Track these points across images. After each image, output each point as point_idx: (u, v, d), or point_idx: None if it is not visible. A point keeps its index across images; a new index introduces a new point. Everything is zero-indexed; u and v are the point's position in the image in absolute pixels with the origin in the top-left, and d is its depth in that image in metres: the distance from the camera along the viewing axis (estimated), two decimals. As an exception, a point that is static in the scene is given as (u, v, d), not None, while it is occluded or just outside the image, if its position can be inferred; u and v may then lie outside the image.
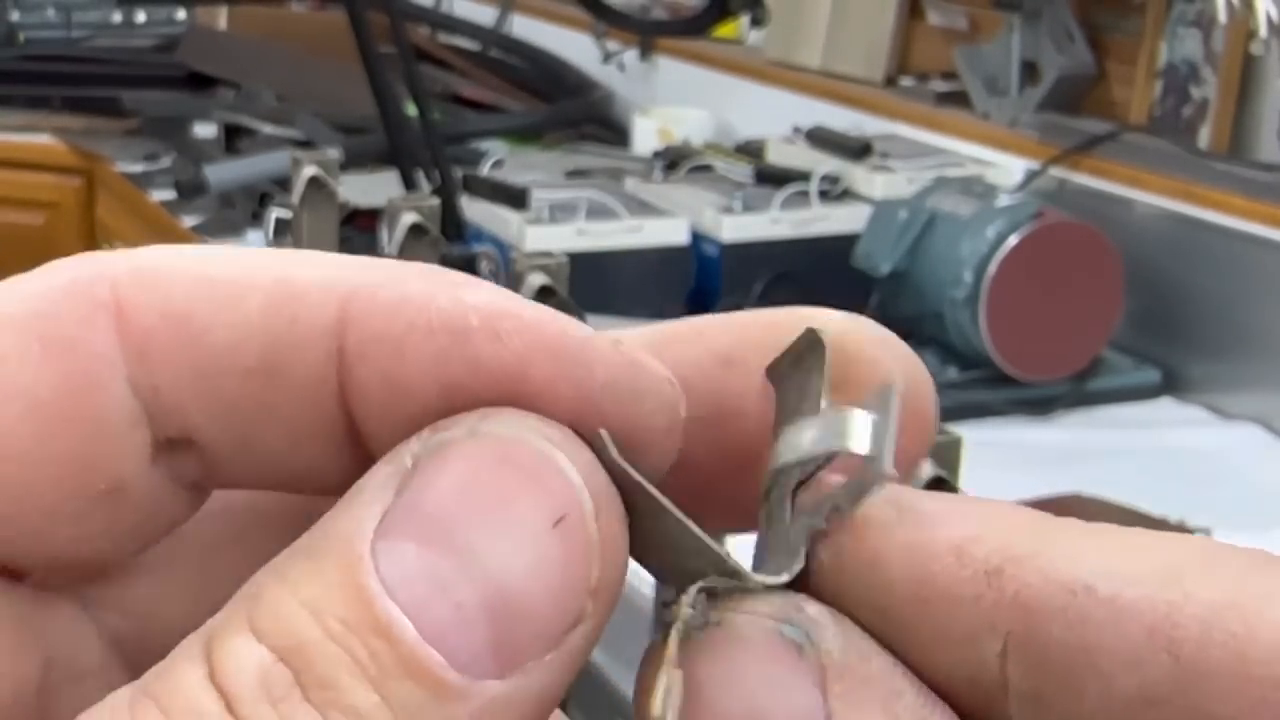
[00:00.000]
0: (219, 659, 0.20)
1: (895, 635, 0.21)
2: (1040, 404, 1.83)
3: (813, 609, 0.21)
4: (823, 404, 0.21)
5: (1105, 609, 0.19)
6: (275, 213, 2.34)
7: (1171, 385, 1.92)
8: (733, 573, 0.21)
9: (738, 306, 1.96)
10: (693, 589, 0.21)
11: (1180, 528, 1.45)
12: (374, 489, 0.21)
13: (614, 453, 0.21)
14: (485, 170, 2.25)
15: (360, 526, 0.20)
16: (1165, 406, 1.90)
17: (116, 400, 0.22)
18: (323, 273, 0.22)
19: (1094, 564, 0.20)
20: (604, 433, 0.21)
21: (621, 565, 0.21)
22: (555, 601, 0.20)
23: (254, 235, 2.48)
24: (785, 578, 0.21)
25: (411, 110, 2.12)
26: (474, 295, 0.22)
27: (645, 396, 0.22)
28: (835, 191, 2.11)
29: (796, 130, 2.34)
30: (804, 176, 2.10)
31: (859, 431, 0.21)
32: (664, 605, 0.21)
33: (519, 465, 0.20)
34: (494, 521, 0.20)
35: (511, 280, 1.32)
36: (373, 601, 0.20)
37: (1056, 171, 2.08)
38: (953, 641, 0.20)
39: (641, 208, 2.07)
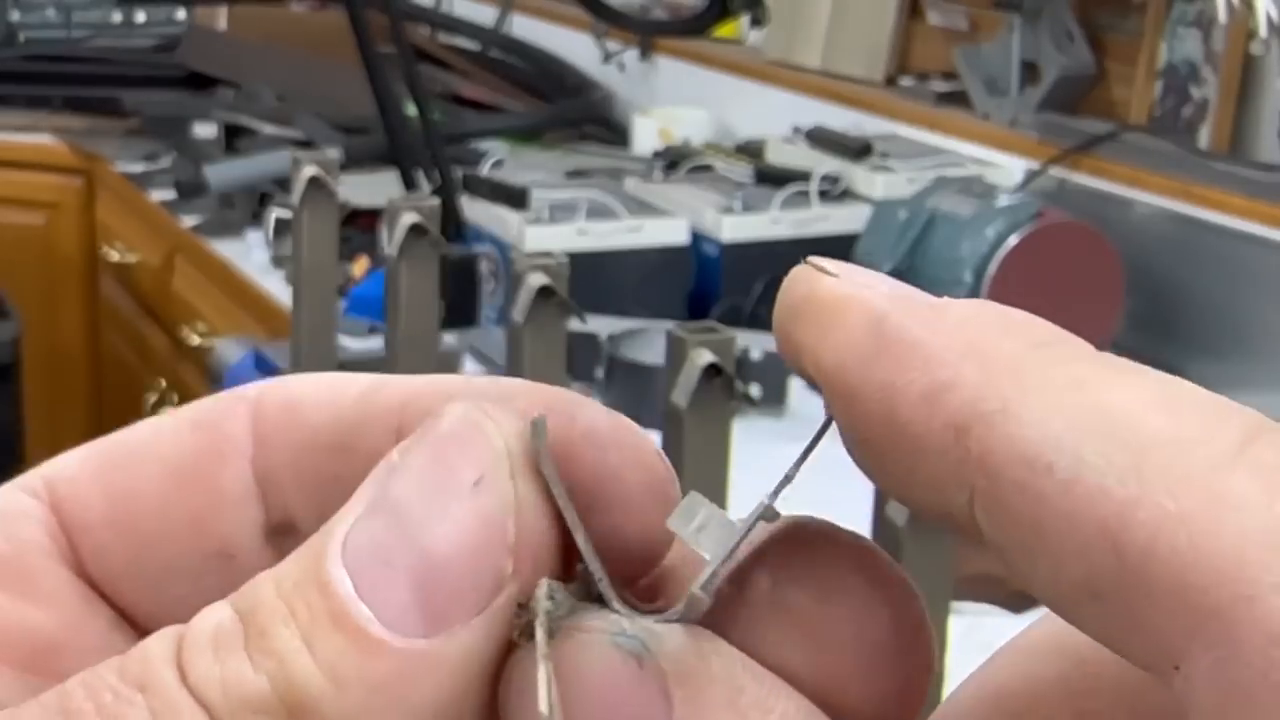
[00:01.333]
0: (191, 623, 0.22)
1: (873, 464, 0.21)
2: (1040, 404, 1.83)
3: (651, 619, 0.21)
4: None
5: (1061, 495, 0.19)
6: (275, 213, 2.34)
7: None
8: (596, 596, 0.22)
9: (738, 306, 1.96)
10: (542, 584, 0.21)
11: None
12: (366, 485, 0.22)
13: (541, 447, 0.22)
14: (485, 170, 2.25)
15: (346, 513, 0.21)
16: (1165, 406, 1.90)
17: (236, 476, 0.25)
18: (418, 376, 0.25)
19: (1060, 436, 0.19)
20: (536, 422, 0.22)
21: (541, 527, 0.21)
22: (474, 559, 0.21)
23: (254, 235, 2.48)
24: (635, 617, 0.21)
25: (411, 110, 2.12)
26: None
27: (624, 449, 0.23)
28: (835, 191, 2.11)
29: (796, 130, 2.34)
30: (804, 176, 2.10)
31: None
32: (520, 606, 0.21)
33: (448, 433, 0.22)
34: (425, 486, 0.21)
35: (511, 280, 1.32)
36: (322, 562, 0.21)
37: (1056, 171, 2.08)
38: (923, 484, 0.20)
39: (641, 208, 2.08)
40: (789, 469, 0.22)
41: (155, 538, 0.25)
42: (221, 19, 3.38)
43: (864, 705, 0.22)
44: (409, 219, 1.47)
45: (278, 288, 2.29)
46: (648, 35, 2.82)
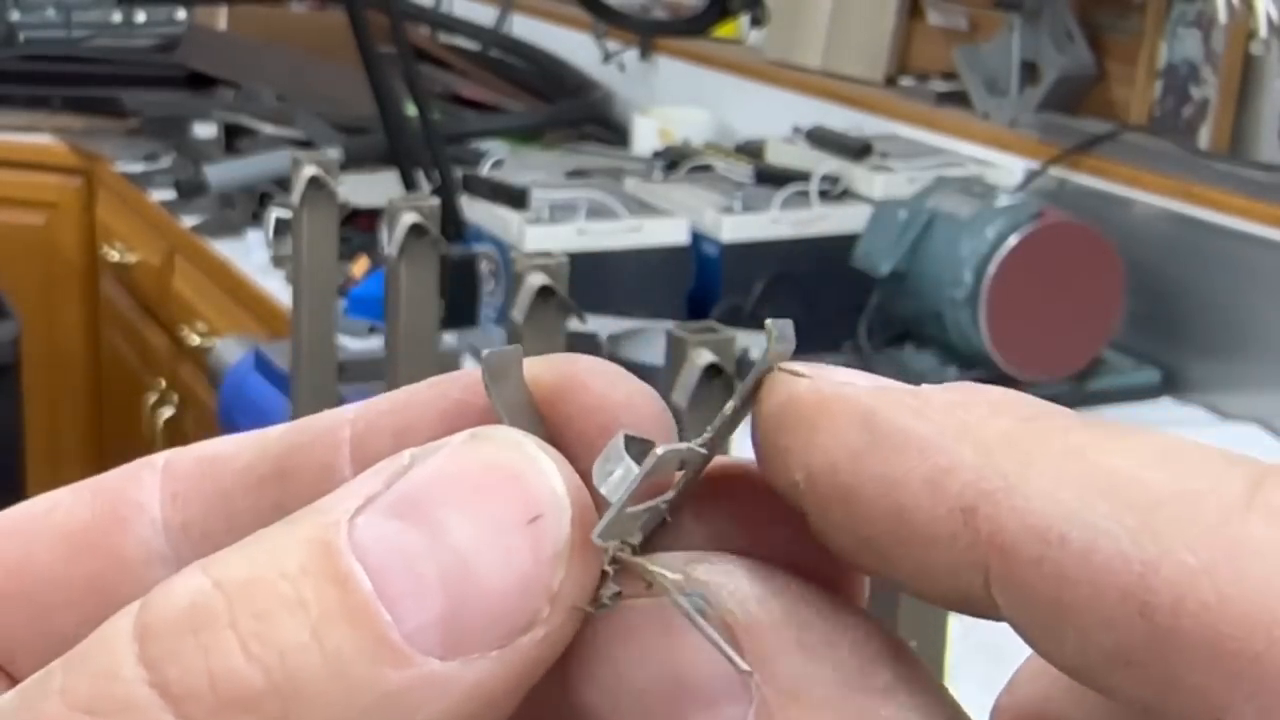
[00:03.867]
0: (152, 597, 0.20)
1: (881, 562, 0.21)
2: (1040, 404, 1.83)
3: (702, 570, 0.21)
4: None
5: (1080, 566, 0.18)
6: (275, 213, 2.34)
7: (1171, 385, 1.92)
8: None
9: (738, 306, 1.96)
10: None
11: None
12: (365, 478, 0.21)
13: (489, 381, 0.22)
14: (485, 170, 2.25)
15: (344, 502, 0.20)
16: (1165, 406, 1.90)
17: (138, 541, 0.24)
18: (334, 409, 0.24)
19: (1069, 505, 0.19)
20: (487, 357, 0.22)
21: (586, 585, 0.21)
22: (513, 594, 0.20)
23: (254, 235, 2.48)
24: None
25: (411, 110, 2.12)
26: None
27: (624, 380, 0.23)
28: (835, 191, 2.11)
29: (796, 130, 2.34)
30: (804, 176, 2.10)
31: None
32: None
33: (505, 463, 0.21)
34: (469, 507, 0.20)
35: (511, 280, 1.32)
36: (335, 554, 0.20)
37: (1056, 171, 2.08)
38: (935, 573, 0.20)
39: (641, 208, 2.08)
40: (711, 427, 0.22)
41: (54, 607, 0.24)
42: (221, 19, 3.38)
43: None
44: (409, 219, 1.47)
45: (278, 288, 2.29)
46: (648, 35, 2.82)
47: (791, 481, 0.21)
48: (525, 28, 3.19)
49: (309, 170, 1.60)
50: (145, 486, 0.24)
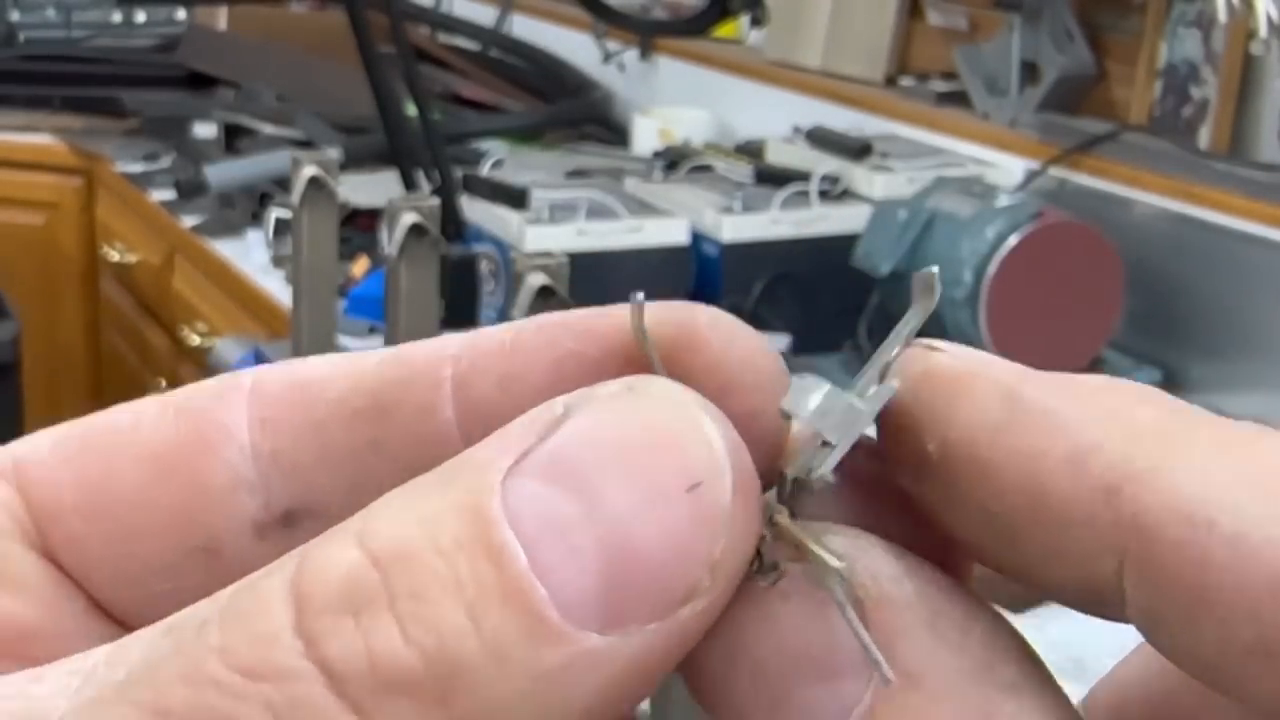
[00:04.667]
0: (307, 563, 0.19)
1: (1006, 542, 0.20)
2: (1040, 404, 1.83)
3: (837, 542, 0.20)
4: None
5: (1227, 551, 0.18)
6: (275, 213, 2.34)
7: (1171, 385, 1.92)
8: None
9: (738, 306, 1.96)
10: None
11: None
12: (519, 428, 0.20)
13: (641, 327, 0.21)
14: (485, 170, 2.25)
15: (497, 459, 0.20)
16: (1165, 406, 1.90)
17: (223, 467, 0.23)
18: (436, 339, 0.24)
19: (1220, 491, 0.18)
20: (636, 302, 0.21)
21: (747, 549, 0.20)
22: (674, 564, 0.19)
23: (254, 235, 2.48)
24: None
25: (411, 110, 2.12)
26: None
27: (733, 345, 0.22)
28: (835, 191, 2.11)
29: (796, 130, 2.34)
30: (804, 176, 2.10)
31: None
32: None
33: (665, 425, 0.20)
34: (627, 473, 0.19)
35: (511, 280, 1.32)
36: (491, 525, 0.19)
37: (1056, 171, 2.08)
38: (1067, 555, 0.19)
39: (641, 208, 2.07)
40: (892, 350, 0.22)
41: (132, 530, 0.23)
42: (221, 19, 3.38)
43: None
44: (409, 219, 1.47)
45: (278, 288, 2.29)
46: (648, 35, 2.82)
47: (921, 453, 0.21)
48: (525, 28, 3.19)
49: (309, 170, 1.60)
50: (232, 408, 0.24)
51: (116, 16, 3.32)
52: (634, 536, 0.19)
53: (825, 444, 0.21)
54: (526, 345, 0.23)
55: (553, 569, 0.19)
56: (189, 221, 2.59)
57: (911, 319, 0.22)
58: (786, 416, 0.21)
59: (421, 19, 3.22)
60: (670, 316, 0.22)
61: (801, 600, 0.20)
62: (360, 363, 0.23)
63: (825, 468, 0.21)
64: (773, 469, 0.21)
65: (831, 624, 0.20)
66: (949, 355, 0.21)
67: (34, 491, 0.24)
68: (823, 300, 2.00)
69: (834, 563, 0.20)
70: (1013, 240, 1.80)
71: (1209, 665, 0.19)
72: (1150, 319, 1.94)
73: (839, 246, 1.98)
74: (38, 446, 0.24)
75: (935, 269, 0.22)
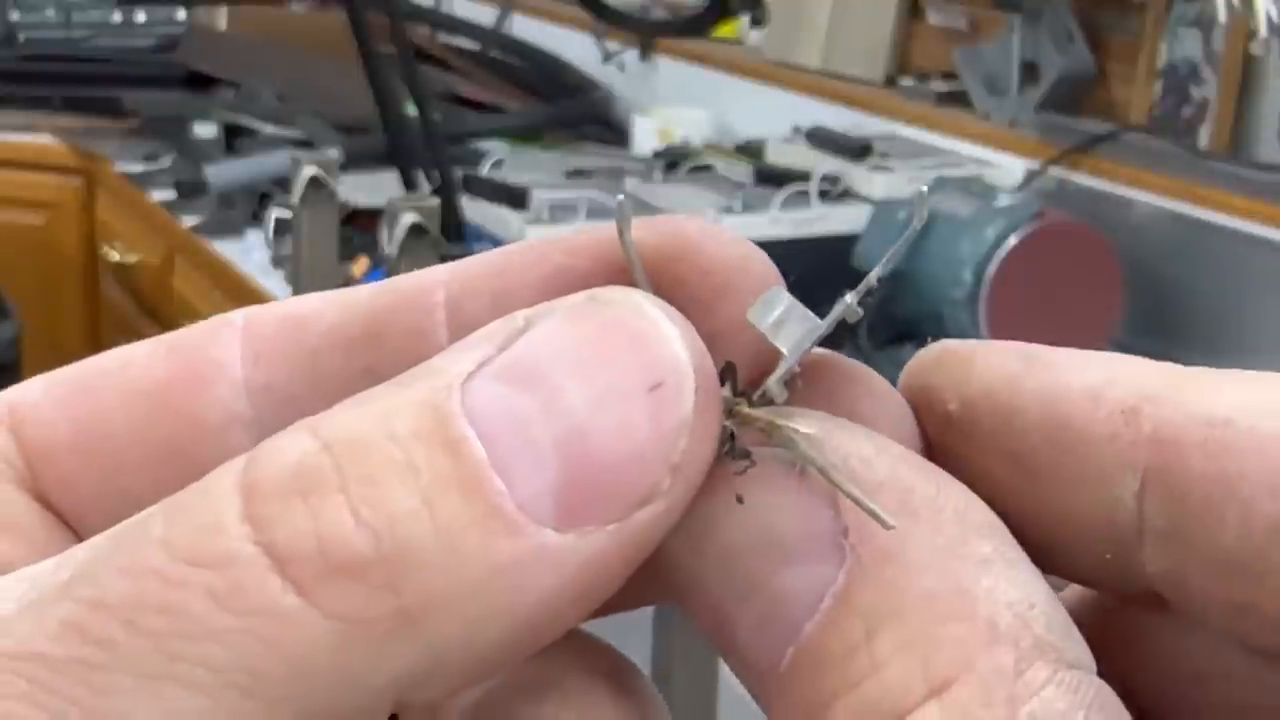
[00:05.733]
0: (258, 455, 0.19)
1: (1031, 486, 0.21)
2: (1040, 404, 1.83)
3: (804, 423, 0.20)
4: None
5: (1245, 438, 0.19)
6: (275, 213, 2.34)
7: (1171, 385, 1.92)
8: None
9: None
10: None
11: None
12: (480, 337, 0.20)
13: (625, 226, 0.21)
14: (485, 170, 2.25)
15: (456, 364, 0.20)
16: (1165, 406, 1.90)
17: (218, 402, 0.23)
18: (427, 269, 0.23)
19: (1231, 399, 0.20)
20: (622, 203, 0.21)
21: (708, 452, 0.20)
22: (633, 464, 0.19)
23: (254, 235, 2.48)
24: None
25: (411, 110, 2.12)
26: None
27: (721, 250, 0.22)
28: (835, 191, 2.11)
29: (796, 130, 2.34)
30: (804, 176, 2.10)
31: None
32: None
33: (627, 327, 0.20)
34: (587, 371, 0.19)
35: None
36: (448, 419, 0.19)
37: (1056, 171, 2.08)
38: (1089, 482, 0.20)
39: (641, 208, 2.08)
40: (871, 274, 0.22)
41: (126, 467, 0.23)
42: (221, 19, 3.38)
43: None
44: (409, 219, 1.47)
45: (278, 288, 2.28)
46: (648, 35, 2.82)
47: (944, 415, 0.21)
48: (525, 28, 3.19)
49: (309, 170, 1.60)
50: (225, 344, 0.23)
51: (116, 16, 3.32)
52: (593, 435, 0.19)
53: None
54: (517, 262, 0.23)
55: (510, 465, 0.19)
56: (189, 221, 2.59)
57: (904, 238, 0.23)
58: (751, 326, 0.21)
59: (421, 19, 3.22)
60: (661, 228, 0.22)
61: (768, 485, 0.20)
62: (352, 294, 0.23)
63: (774, 378, 0.21)
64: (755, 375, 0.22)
65: (800, 506, 0.20)
66: (960, 341, 0.22)
67: (27, 433, 0.23)
68: (823, 300, 1.99)
69: (804, 429, 0.20)
70: (1013, 240, 1.80)
71: (1230, 561, 0.19)
72: (1150, 319, 1.94)
73: (839, 246, 1.98)
74: (30, 389, 0.24)
75: (926, 188, 0.23)
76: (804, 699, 0.20)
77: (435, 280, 0.23)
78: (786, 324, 0.21)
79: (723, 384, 0.21)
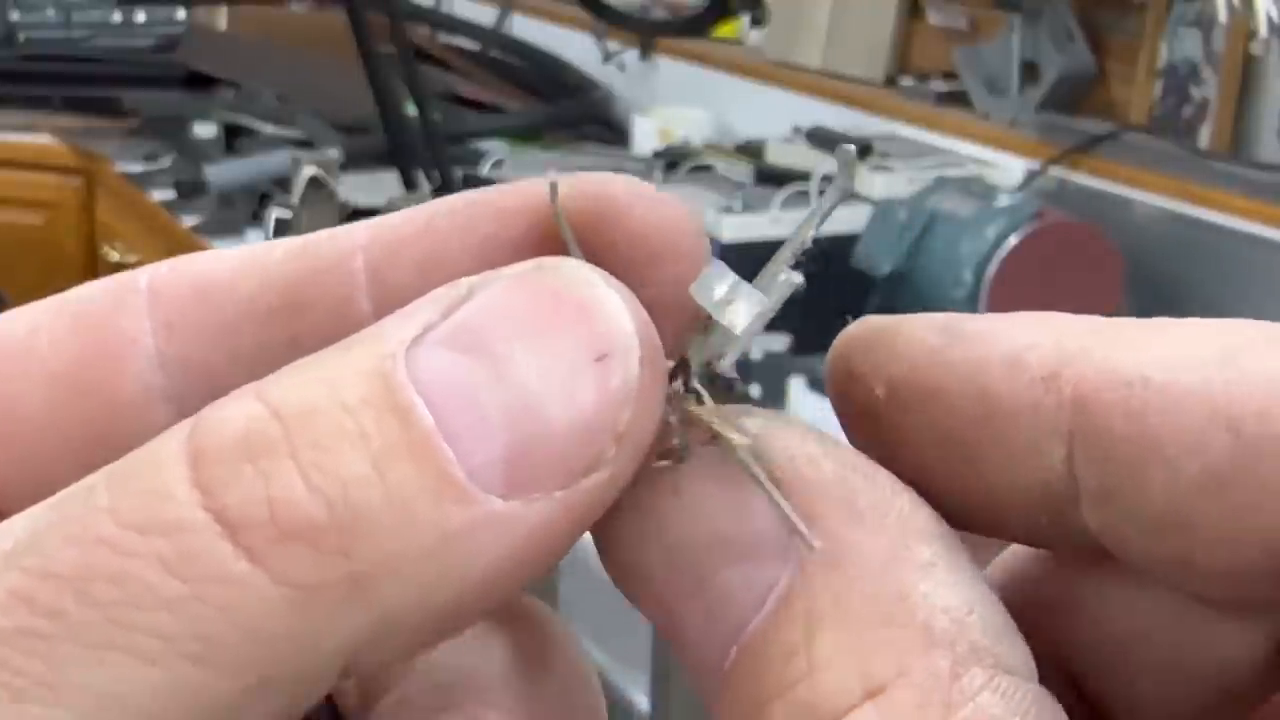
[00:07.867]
0: (203, 421, 0.19)
1: (962, 460, 0.21)
2: (1040, 404, 1.83)
3: (753, 423, 0.21)
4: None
5: (1163, 396, 0.19)
6: (275, 213, 2.34)
7: (1171, 385, 1.92)
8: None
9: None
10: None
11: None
12: (423, 303, 0.20)
13: (557, 208, 0.21)
14: (485, 170, 2.25)
15: (397, 331, 0.20)
16: (1165, 406, 1.90)
17: (136, 377, 0.22)
18: (340, 229, 0.23)
19: (1149, 355, 0.19)
20: (553, 184, 0.21)
21: (653, 422, 0.20)
22: (579, 433, 0.19)
23: (254, 235, 2.48)
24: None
25: (411, 110, 2.12)
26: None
27: (650, 211, 0.22)
28: (835, 191, 2.11)
29: (796, 130, 2.34)
30: (804, 176, 2.10)
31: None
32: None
33: (573, 297, 0.20)
34: (535, 342, 0.19)
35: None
36: (396, 388, 0.19)
37: (1056, 171, 2.08)
38: (1018, 453, 0.20)
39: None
40: (796, 233, 0.22)
41: (46, 453, 0.22)
42: (221, 19, 3.38)
43: None
44: (409, 219, 1.47)
45: (278, 288, 2.29)
46: (648, 35, 2.82)
47: (872, 402, 0.21)
48: (525, 28, 3.19)
49: (309, 170, 1.60)
50: (133, 314, 0.23)
51: (116, 16, 3.32)
52: (540, 404, 0.19)
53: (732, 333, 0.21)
54: (441, 227, 0.22)
55: (459, 433, 0.19)
56: (189, 221, 2.59)
57: (828, 199, 0.22)
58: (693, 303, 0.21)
59: (421, 19, 3.22)
60: (587, 189, 0.22)
61: (713, 481, 0.20)
62: (264, 258, 0.23)
63: (727, 361, 0.21)
64: (682, 350, 0.22)
65: (746, 504, 0.20)
66: (881, 316, 0.22)
67: None
68: (823, 300, 1.99)
69: (740, 439, 0.20)
70: (1013, 240, 1.80)
71: (1162, 518, 0.19)
72: (1150, 319, 1.94)
73: (839, 246, 1.98)
74: None
75: (852, 147, 0.22)
76: (745, 698, 0.20)
77: (353, 244, 0.23)
78: (734, 302, 0.21)
79: (674, 380, 0.21)
